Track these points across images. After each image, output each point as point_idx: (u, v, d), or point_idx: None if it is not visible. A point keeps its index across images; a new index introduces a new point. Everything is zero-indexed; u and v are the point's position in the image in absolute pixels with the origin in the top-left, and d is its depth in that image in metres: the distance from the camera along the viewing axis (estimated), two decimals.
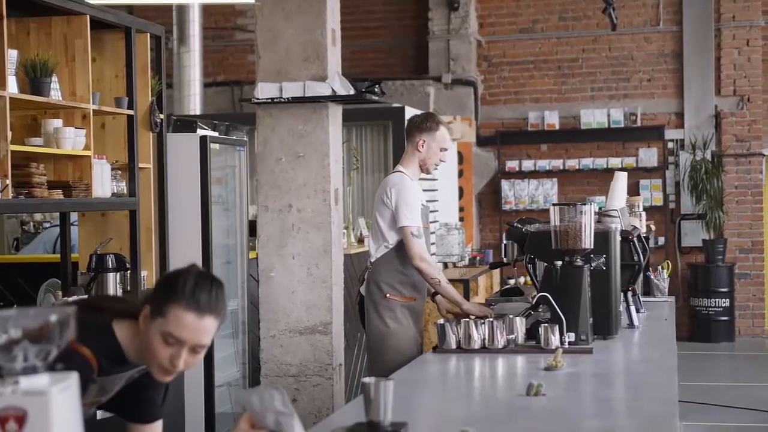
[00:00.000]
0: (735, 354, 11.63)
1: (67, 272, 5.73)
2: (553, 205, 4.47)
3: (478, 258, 11.33)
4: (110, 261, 5.55)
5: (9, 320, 1.82)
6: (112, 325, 2.62)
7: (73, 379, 1.84)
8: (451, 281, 9.13)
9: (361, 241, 7.82)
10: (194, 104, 10.36)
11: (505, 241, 5.18)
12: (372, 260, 5.27)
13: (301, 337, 5.56)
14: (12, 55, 4.86)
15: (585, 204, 4.42)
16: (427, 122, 5.30)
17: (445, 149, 5.32)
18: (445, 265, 10.29)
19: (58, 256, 5.96)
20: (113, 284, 5.57)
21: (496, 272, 11.38)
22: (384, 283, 5.18)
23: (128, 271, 5.68)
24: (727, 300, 12.04)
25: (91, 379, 2.54)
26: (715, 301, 12.01)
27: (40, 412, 1.76)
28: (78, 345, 2.47)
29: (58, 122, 5.14)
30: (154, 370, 2.57)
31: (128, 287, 5.71)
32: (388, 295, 5.16)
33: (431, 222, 10.20)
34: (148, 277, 5.93)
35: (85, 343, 2.50)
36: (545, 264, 4.51)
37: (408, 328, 5.18)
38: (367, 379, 2.68)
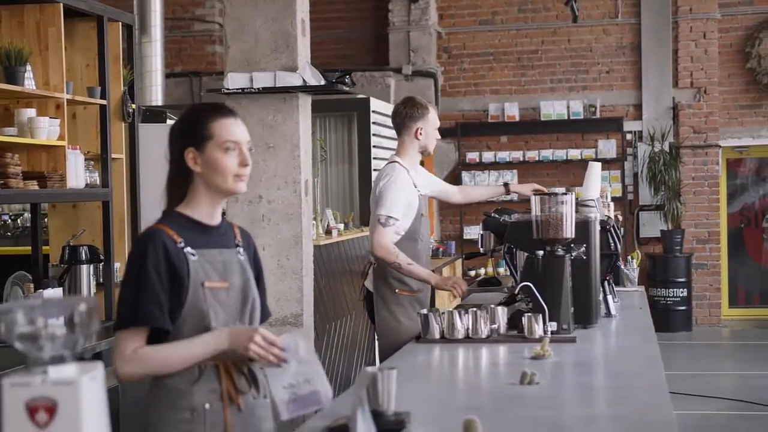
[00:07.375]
0: (692, 343, 11.77)
1: (39, 264, 5.65)
2: (535, 194, 4.49)
3: (441, 249, 11.37)
4: (84, 252, 5.48)
5: (36, 310, 1.80)
6: (173, 210, 2.89)
7: (99, 369, 1.82)
8: None
9: (328, 232, 7.79)
10: (156, 95, 10.22)
11: (481, 232, 5.16)
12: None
13: (271, 328, 5.52)
14: None
15: (566, 194, 4.44)
16: (418, 110, 5.31)
17: (438, 126, 5.42)
18: None
19: (28, 248, 5.87)
20: (86, 276, 5.50)
21: (458, 263, 11.44)
22: (392, 278, 5.12)
23: (102, 263, 5.62)
24: (685, 290, 12.19)
25: (177, 248, 2.77)
26: (673, 291, 12.16)
27: (71, 401, 1.75)
28: (153, 226, 2.84)
29: (32, 112, 5.07)
30: (230, 185, 2.84)
31: (101, 279, 5.65)
32: (397, 290, 5.12)
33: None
34: (122, 268, 5.87)
35: (158, 224, 2.85)
36: (526, 254, 4.53)
37: (418, 321, 5.11)
38: (370, 369, 2.68)
